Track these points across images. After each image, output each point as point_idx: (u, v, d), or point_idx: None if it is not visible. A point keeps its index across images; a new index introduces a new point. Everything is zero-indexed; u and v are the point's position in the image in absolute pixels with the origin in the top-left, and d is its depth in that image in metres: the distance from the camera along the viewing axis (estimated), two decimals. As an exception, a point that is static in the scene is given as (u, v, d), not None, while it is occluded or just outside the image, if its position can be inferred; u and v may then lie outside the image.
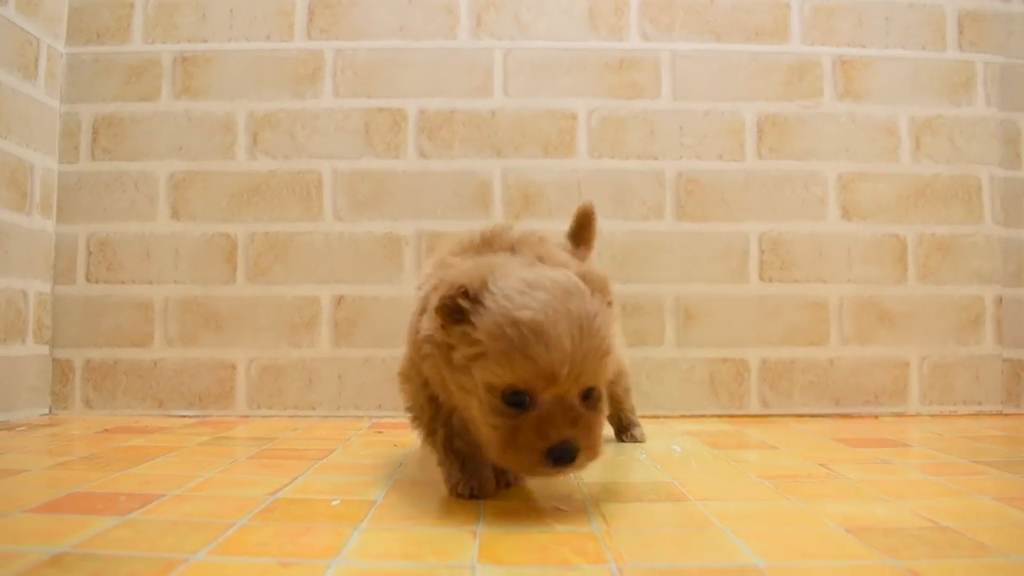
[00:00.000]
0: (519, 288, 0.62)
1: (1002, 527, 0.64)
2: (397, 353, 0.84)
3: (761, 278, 1.45)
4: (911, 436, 1.20)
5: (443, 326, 0.65)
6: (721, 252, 1.45)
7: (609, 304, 0.66)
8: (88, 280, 1.44)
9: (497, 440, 0.64)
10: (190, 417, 1.39)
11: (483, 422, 0.65)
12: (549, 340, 0.60)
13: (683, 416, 1.41)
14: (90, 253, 1.45)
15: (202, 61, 1.48)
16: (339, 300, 1.43)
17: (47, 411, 1.42)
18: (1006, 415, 1.45)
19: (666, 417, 1.40)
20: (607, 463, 0.55)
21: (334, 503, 0.72)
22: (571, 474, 0.67)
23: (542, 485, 0.80)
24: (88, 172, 1.46)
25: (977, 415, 1.44)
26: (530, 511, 0.70)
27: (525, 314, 0.61)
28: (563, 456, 0.62)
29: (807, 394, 1.43)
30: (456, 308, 0.64)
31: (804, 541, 0.60)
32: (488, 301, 0.63)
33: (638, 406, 1.43)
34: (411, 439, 0.97)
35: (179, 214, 1.45)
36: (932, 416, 1.43)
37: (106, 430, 1.22)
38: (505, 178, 1.45)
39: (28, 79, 1.38)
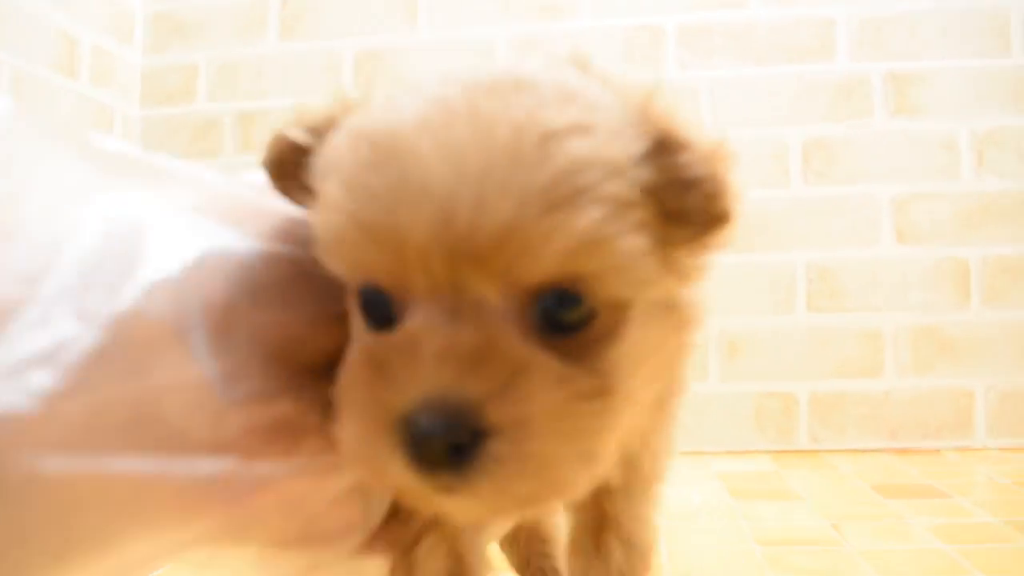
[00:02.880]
0: (405, 90, 0.29)
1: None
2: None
3: (809, 308, 1.40)
4: (966, 479, 1.14)
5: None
6: (767, 282, 1.41)
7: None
8: (165, 327, 1.57)
9: (340, 393, 0.28)
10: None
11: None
12: (401, 158, 0.26)
13: (728, 452, 1.38)
14: (165, 302, 1.57)
15: (259, 116, 1.58)
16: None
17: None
18: (1090, 447, 1.34)
19: (711, 453, 1.38)
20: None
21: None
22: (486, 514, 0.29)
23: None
24: (162, 227, 1.59)
25: (1054, 448, 1.34)
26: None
27: (378, 121, 0.28)
28: (427, 438, 0.24)
29: (861, 428, 1.38)
30: (293, 151, 0.31)
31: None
32: (344, 125, 0.30)
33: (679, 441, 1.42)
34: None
35: (242, 263, 1.55)
36: (1001, 450, 1.34)
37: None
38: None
39: (105, 146, 1.52)
